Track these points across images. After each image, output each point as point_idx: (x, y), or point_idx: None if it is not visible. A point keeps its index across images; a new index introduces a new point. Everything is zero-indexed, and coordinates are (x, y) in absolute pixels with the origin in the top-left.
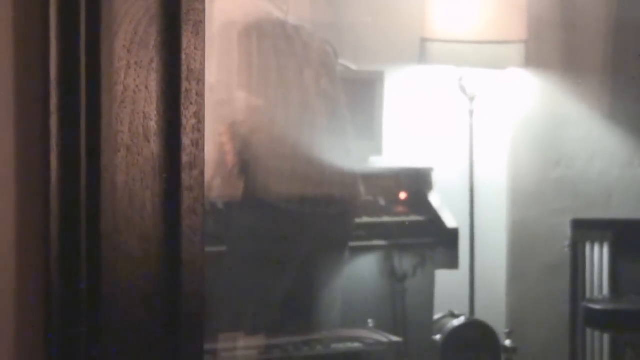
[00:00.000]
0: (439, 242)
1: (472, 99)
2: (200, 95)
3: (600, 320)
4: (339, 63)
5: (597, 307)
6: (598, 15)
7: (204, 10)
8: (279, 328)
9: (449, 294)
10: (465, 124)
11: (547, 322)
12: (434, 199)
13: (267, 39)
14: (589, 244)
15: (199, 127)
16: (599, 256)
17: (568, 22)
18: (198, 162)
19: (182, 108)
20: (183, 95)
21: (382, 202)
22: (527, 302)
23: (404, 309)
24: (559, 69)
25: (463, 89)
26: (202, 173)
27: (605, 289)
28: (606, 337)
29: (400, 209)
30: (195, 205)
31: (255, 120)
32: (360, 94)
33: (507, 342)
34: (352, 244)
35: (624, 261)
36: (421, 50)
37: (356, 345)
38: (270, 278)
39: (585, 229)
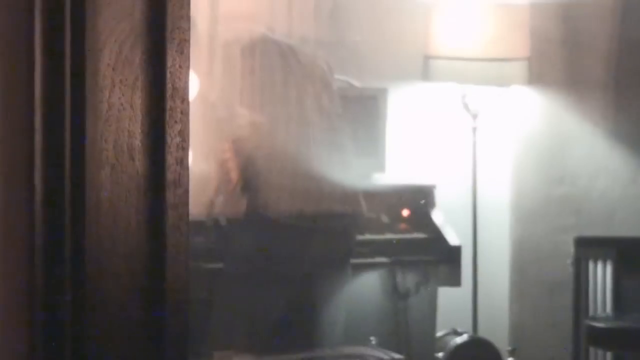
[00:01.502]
0: (441, 260)
1: (475, 116)
2: (185, 113)
3: (603, 338)
4: (343, 80)
5: (600, 325)
6: (601, 32)
7: (189, 29)
8: (280, 345)
9: (452, 312)
10: (469, 141)
11: (550, 340)
12: (437, 216)
13: (265, 57)
14: (592, 261)
15: (184, 146)
16: (602, 274)
17: (571, 40)
18: (182, 181)
19: (167, 126)
20: (168, 113)
21: (384, 219)
22: (530, 320)
23: (407, 326)
24: (562, 87)
25: (466, 106)
26: (186, 191)
27: (609, 307)
28: (609, 355)
29: (403, 226)
30: (179, 223)
31: (258, 136)
32: (364, 110)
33: None
34: (354, 261)
35: (627, 279)
36: (424, 68)
37: None
38: (272, 294)
39: (589, 247)
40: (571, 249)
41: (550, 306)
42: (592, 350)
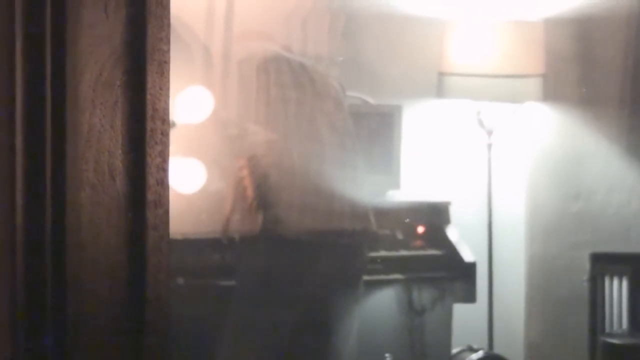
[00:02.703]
0: (456, 276)
1: (490, 132)
2: (165, 134)
3: (619, 354)
4: (358, 97)
5: (616, 341)
6: (616, 49)
7: (168, 51)
8: None
9: (468, 328)
10: (483, 157)
11: (565, 357)
12: (452, 232)
13: (278, 75)
14: (607, 277)
15: (164, 167)
16: (617, 290)
17: (586, 56)
18: (163, 201)
19: (147, 147)
20: (148, 134)
21: (399, 235)
22: (545, 336)
23: (422, 343)
24: (577, 103)
25: (481, 123)
26: (167, 212)
27: (625, 323)
28: None
29: (418, 242)
30: (160, 243)
31: (273, 154)
32: (378, 127)
33: None
34: (369, 278)
35: None
36: (439, 84)
37: None
38: (284, 312)
39: (604, 263)
40: (587, 265)
41: (566, 322)
42: None
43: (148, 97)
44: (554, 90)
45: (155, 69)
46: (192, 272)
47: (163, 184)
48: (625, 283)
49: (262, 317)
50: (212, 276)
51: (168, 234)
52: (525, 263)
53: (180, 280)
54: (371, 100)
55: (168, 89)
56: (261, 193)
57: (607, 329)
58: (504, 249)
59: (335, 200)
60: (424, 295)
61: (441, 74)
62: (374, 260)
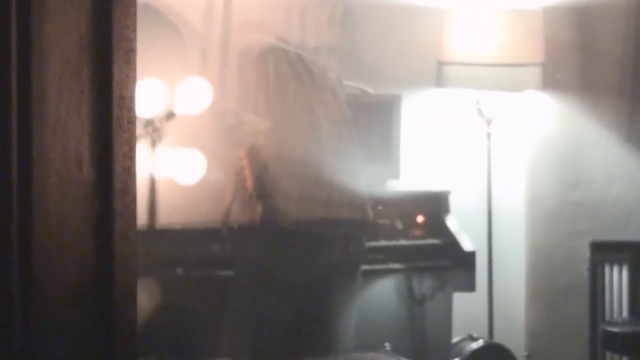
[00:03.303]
0: (456, 265)
1: (489, 121)
2: (132, 122)
3: (619, 342)
4: (357, 87)
5: (616, 329)
6: (616, 37)
7: (135, 39)
8: (289, 352)
9: (468, 317)
10: (483, 146)
11: (566, 345)
12: (451, 222)
13: (276, 66)
14: (607, 266)
15: (131, 154)
16: (618, 278)
17: (586, 45)
18: (130, 189)
19: (114, 135)
20: (115, 122)
21: (399, 225)
22: (546, 325)
23: (422, 332)
24: (576, 92)
25: (480, 112)
26: (134, 200)
27: (625, 311)
28: None
29: (418, 232)
30: (127, 231)
31: (272, 144)
32: (378, 117)
33: None
34: (369, 267)
35: None
36: (438, 74)
37: None
38: (283, 301)
39: (604, 251)
40: (587, 253)
41: (566, 311)
42: (608, 354)
43: (114, 85)
44: (553, 79)
45: (121, 56)
46: (192, 262)
47: (130, 171)
48: (625, 271)
49: (261, 306)
50: (212, 266)
51: (135, 221)
52: (525, 252)
53: (180, 270)
54: (370, 90)
55: (135, 76)
56: (261, 183)
57: (607, 317)
58: (504, 238)
59: (333, 190)
60: (423, 285)
61: (440, 63)
62: (373, 249)
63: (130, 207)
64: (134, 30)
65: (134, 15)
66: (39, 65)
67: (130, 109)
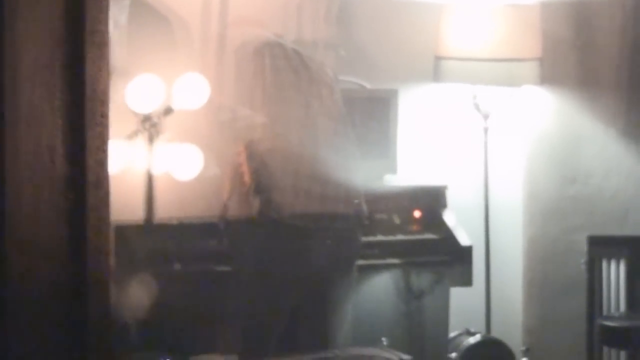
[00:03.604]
0: (453, 260)
1: (486, 116)
2: (105, 116)
3: (616, 337)
4: (354, 82)
5: (613, 324)
6: (613, 32)
7: (107, 33)
8: (287, 346)
9: (466, 312)
10: (480, 141)
11: (563, 340)
12: (449, 216)
13: (273, 61)
14: (605, 260)
15: (104, 148)
16: (615, 273)
17: (583, 40)
18: (103, 182)
19: (87, 129)
20: (88, 116)
21: (396, 220)
22: (543, 320)
23: (419, 327)
24: (574, 86)
25: (477, 107)
26: (107, 193)
27: (622, 306)
28: (623, 355)
29: (415, 227)
30: (100, 224)
31: (270, 139)
32: (375, 112)
33: None
34: (366, 262)
35: None
36: (435, 68)
37: None
38: (279, 296)
39: (602, 246)
40: (584, 248)
41: (564, 306)
42: (606, 349)
43: (87, 78)
44: (551, 73)
45: (94, 51)
46: (189, 257)
47: (103, 165)
48: (622, 266)
49: (259, 301)
50: (209, 261)
51: (109, 215)
52: (522, 246)
53: (177, 265)
54: (367, 85)
55: (108, 70)
56: (258, 178)
57: (605, 312)
58: (501, 233)
59: (329, 185)
60: (421, 279)
61: (438, 58)
62: (371, 244)
63: (104, 200)
64: (107, 24)
65: (106, 9)
66: (11, 59)
67: (104, 102)
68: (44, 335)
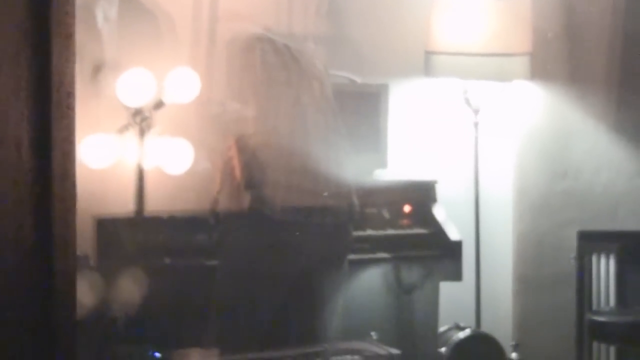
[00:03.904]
0: (442, 255)
1: (477, 111)
2: (71, 107)
3: (606, 332)
4: (344, 76)
5: (603, 319)
6: (604, 27)
7: (74, 24)
8: (275, 341)
9: (455, 307)
10: (470, 136)
11: (553, 335)
12: (438, 211)
13: (263, 55)
14: (595, 255)
15: (71, 140)
16: (605, 268)
17: (574, 35)
18: (70, 174)
19: (53, 120)
20: (54, 108)
21: (386, 214)
22: (533, 314)
23: (409, 321)
24: (564, 81)
25: (468, 102)
26: (73, 184)
27: (612, 301)
28: (612, 350)
29: (405, 221)
30: (67, 215)
31: (260, 134)
32: (365, 106)
33: (514, 355)
34: (356, 256)
35: (630, 273)
36: (426, 63)
37: (355, 358)
38: (269, 291)
39: (592, 241)
40: (574, 243)
41: (554, 300)
42: (595, 343)
43: (54, 70)
44: (541, 68)
45: (60, 42)
46: (179, 251)
47: (70, 156)
48: (612, 261)
49: (247, 295)
50: (198, 255)
51: (75, 206)
52: (512, 241)
53: (167, 259)
54: (358, 79)
55: (74, 62)
56: (249, 173)
57: (595, 307)
58: (491, 228)
59: (320, 180)
60: (410, 274)
61: (428, 53)
62: (360, 239)
63: (70, 192)
64: (73, 16)
65: (72, 1)
66: None
67: (70, 94)
68: (7, 327)
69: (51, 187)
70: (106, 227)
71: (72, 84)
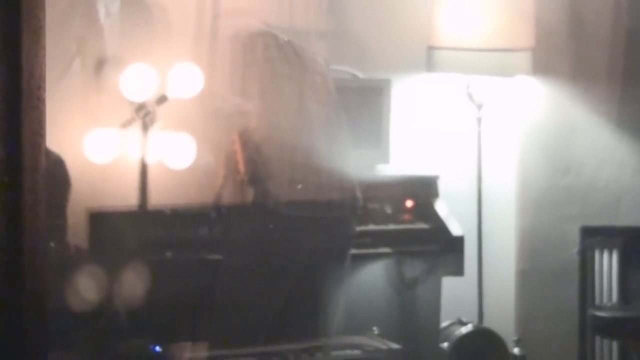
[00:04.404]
0: (444, 250)
1: (479, 106)
2: (42, 100)
3: (608, 327)
4: (347, 71)
5: (605, 314)
6: (606, 22)
7: (44, 17)
8: (279, 334)
9: (458, 302)
10: (473, 131)
11: (556, 330)
12: (440, 206)
13: (265, 51)
14: (597, 251)
15: (41, 132)
16: (607, 263)
17: (576, 30)
18: (39, 166)
19: (23, 113)
20: (24, 100)
21: (388, 209)
22: (535, 310)
23: (411, 316)
24: (567, 77)
25: (470, 97)
26: (43, 177)
27: (614, 296)
28: (615, 344)
29: (407, 216)
30: (36, 207)
31: (263, 128)
32: (367, 101)
33: (516, 350)
34: (358, 251)
35: (632, 268)
36: (428, 58)
37: (356, 352)
38: (271, 285)
39: (594, 236)
40: (577, 238)
41: (556, 296)
42: (598, 339)
43: (24, 63)
44: (544, 63)
45: (30, 35)
46: (181, 245)
47: (39, 148)
48: (615, 256)
49: (250, 289)
50: (200, 249)
51: (43, 198)
52: (515, 237)
53: (169, 253)
54: (360, 74)
55: (44, 55)
56: (253, 167)
57: (597, 302)
58: (494, 223)
59: (322, 174)
60: (412, 269)
61: (431, 48)
62: (362, 234)
63: (39, 184)
64: (43, 9)
65: None
66: None
67: (40, 87)
68: None
69: (21, 179)
70: (99, 220)
71: (42, 76)
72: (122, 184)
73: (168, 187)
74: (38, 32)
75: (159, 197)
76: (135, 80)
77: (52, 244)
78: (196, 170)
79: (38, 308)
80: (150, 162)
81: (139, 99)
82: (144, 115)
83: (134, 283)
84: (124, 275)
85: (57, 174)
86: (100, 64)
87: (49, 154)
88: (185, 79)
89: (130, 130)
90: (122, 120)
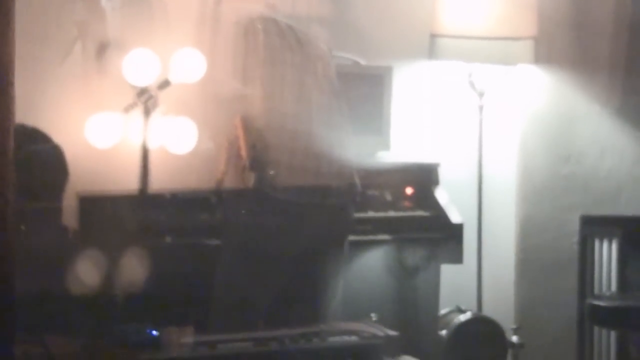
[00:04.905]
0: (444, 237)
1: (481, 94)
2: (11, 84)
3: (607, 317)
4: (349, 58)
5: (604, 304)
6: (609, 12)
7: (13, 4)
8: (277, 320)
9: (457, 289)
10: (475, 119)
11: (554, 318)
12: (440, 194)
13: (266, 36)
14: (597, 240)
15: (9, 117)
16: (607, 252)
17: (579, 19)
18: (7, 150)
19: None
20: None
21: (388, 196)
22: (535, 298)
23: (410, 303)
24: (569, 66)
25: (472, 85)
26: (11, 161)
27: (614, 286)
28: (613, 334)
29: (407, 204)
30: (4, 189)
31: (265, 114)
32: (369, 88)
33: (514, 338)
34: (358, 238)
35: (632, 258)
36: (431, 46)
37: (353, 338)
38: (269, 271)
39: (594, 225)
40: (577, 227)
41: (556, 284)
42: (596, 328)
43: None
44: (546, 52)
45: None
46: (181, 229)
47: (9, 132)
48: (614, 245)
49: (249, 275)
50: (201, 234)
51: (13, 182)
52: (515, 225)
53: (168, 238)
54: (362, 61)
55: (13, 41)
56: (255, 153)
57: (597, 291)
58: (494, 211)
59: (322, 161)
60: (412, 256)
61: (433, 36)
62: (362, 221)
63: (8, 167)
64: None
65: None
66: None
67: (9, 72)
68: None
69: None
70: (88, 203)
71: (11, 63)
72: (123, 169)
73: (169, 171)
74: (7, 18)
75: (160, 182)
76: (137, 64)
77: (22, 227)
78: (197, 155)
79: (4, 288)
80: (152, 146)
81: (141, 83)
82: (146, 99)
83: (132, 267)
84: (122, 259)
85: (52, 159)
86: (102, 48)
87: (47, 140)
88: (188, 64)
89: (131, 115)
90: (124, 104)
